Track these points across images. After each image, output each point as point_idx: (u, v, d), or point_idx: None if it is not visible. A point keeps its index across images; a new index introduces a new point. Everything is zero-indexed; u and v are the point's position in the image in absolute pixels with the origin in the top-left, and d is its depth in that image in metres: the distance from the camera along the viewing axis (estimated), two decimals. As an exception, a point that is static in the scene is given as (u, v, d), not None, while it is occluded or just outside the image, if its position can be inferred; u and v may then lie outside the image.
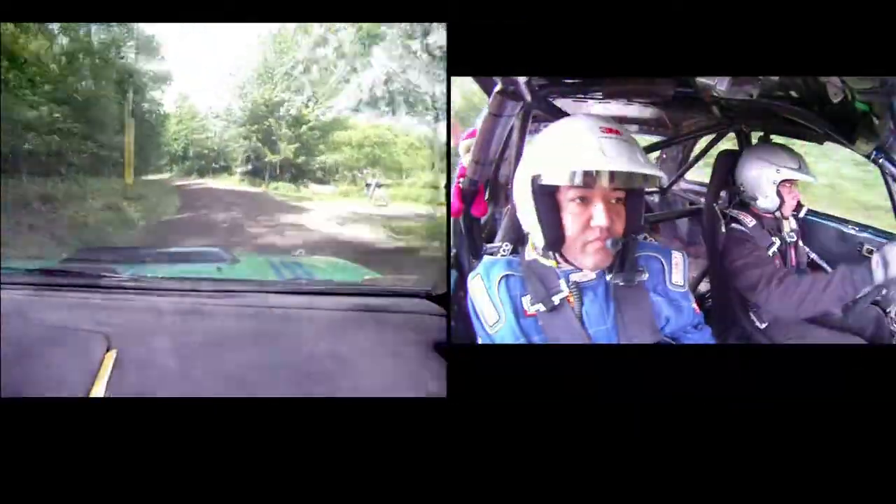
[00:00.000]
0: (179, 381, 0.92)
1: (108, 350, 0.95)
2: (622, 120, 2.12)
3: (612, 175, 0.97)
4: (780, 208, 1.71)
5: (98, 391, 0.88)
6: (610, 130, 1.01)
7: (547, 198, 1.02)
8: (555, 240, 1.03)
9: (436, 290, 1.23)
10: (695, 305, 1.14)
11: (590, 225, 1.00)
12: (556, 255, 1.07)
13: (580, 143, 0.99)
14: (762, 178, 1.70)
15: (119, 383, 0.90)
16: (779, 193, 1.69)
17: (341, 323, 1.11)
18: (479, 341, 1.10)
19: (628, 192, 1.03)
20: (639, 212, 1.06)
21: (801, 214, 1.79)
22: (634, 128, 2.27)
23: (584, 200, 1.00)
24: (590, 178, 0.97)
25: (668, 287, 1.09)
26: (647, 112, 2.18)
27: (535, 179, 1.02)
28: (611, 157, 0.96)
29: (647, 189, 1.32)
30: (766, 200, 1.71)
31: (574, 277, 1.06)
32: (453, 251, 1.68)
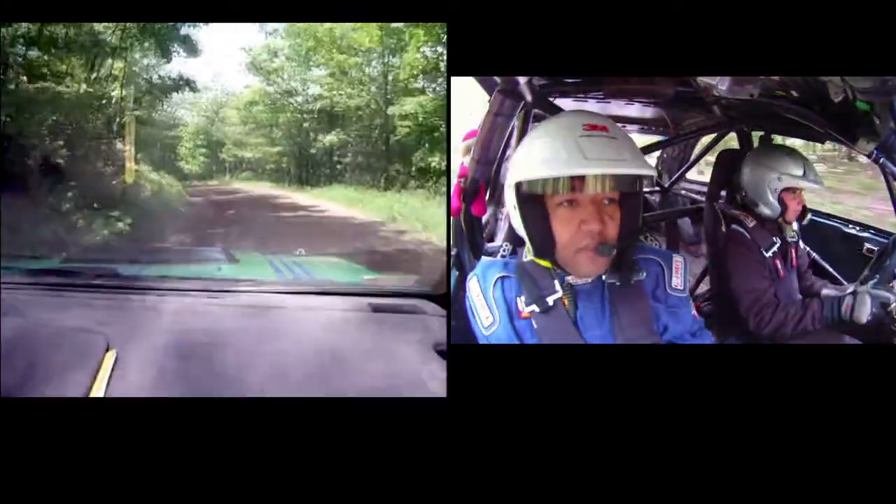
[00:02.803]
0: (179, 381, 0.92)
1: (107, 350, 0.94)
2: (622, 120, 2.12)
3: (596, 179, 0.91)
4: (782, 215, 1.66)
5: (98, 391, 0.88)
6: (593, 127, 0.95)
7: (533, 204, 0.97)
8: (545, 248, 0.99)
9: (436, 290, 1.23)
10: (694, 312, 1.10)
11: (581, 229, 0.95)
12: (552, 260, 1.06)
13: (559, 146, 0.94)
14: (763, 184, 1.65)
15: (119, 383, 0.90)
16: (781, 201, 1.63)
17: (341, 323, 1.10)
18: (478, 342, 1.10)
19: (623, 192, 0.98)
20: (635, 214, 1.00)
21: (805, 221, 1.74)
22: (635, 128, 2.27)
23: (573, 203, 0.96)
24: (574, 185, 0.92)
25: (668, 291, 1.07)
26: (647, 112, 2.18)
27: (518, 187, 0.98)
28: (592, 160, 0.91)
29: (644, 189, 1.28)
30: (767, 208, 1.66)
31: (570, 279, 1.05)
32: (453, 251, 1.68)
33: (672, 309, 1.06)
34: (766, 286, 1.62)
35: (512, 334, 1.04)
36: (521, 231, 1.03)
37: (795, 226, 1.76)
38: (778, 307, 1.59)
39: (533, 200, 0.97)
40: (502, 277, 1.07)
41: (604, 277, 1.05)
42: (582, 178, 0.92)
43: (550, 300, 1.02)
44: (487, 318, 1.05)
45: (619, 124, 1.06)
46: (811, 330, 1.55)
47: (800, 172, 1.62)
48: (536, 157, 0.96)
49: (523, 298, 1.04)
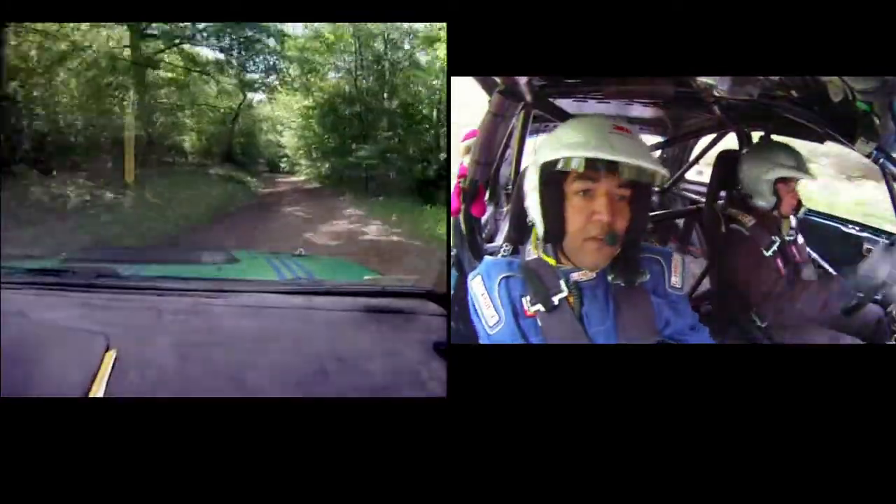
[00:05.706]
0: (179, 381, 0.92)
1: (107, 350, 0.94)
2: (622, 120, 2.12)
3: (618, 167, 0.97)
4: (777, 207, 1.70)
5: (98, 391, 0.88)
6: (621, 129, 1.03)
7: (553, 187, 1.02)
8: (556, 231, 1.03)
9: (436, 289, 1.22)
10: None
11: (592, 219, 1.00)
12: (557, 251, 1.07)
13: (590, 135, 1.01)
14: (757, 176, 1.69)
15: (119, 383, 0.89)
16: (775, 192, 1.68)
17: (341, 323, 1.10)
18: (480, 342, 1.11)
19: (634, 191, 1.02)
20: (644, 212, 1.06)
21: (800, 214, 1.78)
22: (635, 128, 2.27)
23: (588, 193, 1.00)
24: (595, 170, 0.98)
25: (668, 289, 1.10)
26: (647, 112, 2.19)
27: (544, 167, 1.02)
28: (618, 150, 0.97)
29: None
30: (762, 198, 1.70)
31: (574, 277, 1.06)
32: (453, 251, 1.68)
33: (673, 305, 1.09)
34: (775, 277, 1.63)
35: (517, 333, 1.05)
36: (535, 213, 1.06)
37: (793, 221, 1.78)
38: (794, 294, 1.60)
39: (553, 184, 1.02)
40: (507, 277, 1.08)
41: (609, 278, 1.06)
42: (601, 167, 0.98)
43: (556, 299, 1.04)
44: (493, 318, 1.06)
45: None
46: (835, 308, 1.58)
47: (793, 164, 1.66)
48: (564, 141, 1.02)
49: (528, 298, 1.06)
